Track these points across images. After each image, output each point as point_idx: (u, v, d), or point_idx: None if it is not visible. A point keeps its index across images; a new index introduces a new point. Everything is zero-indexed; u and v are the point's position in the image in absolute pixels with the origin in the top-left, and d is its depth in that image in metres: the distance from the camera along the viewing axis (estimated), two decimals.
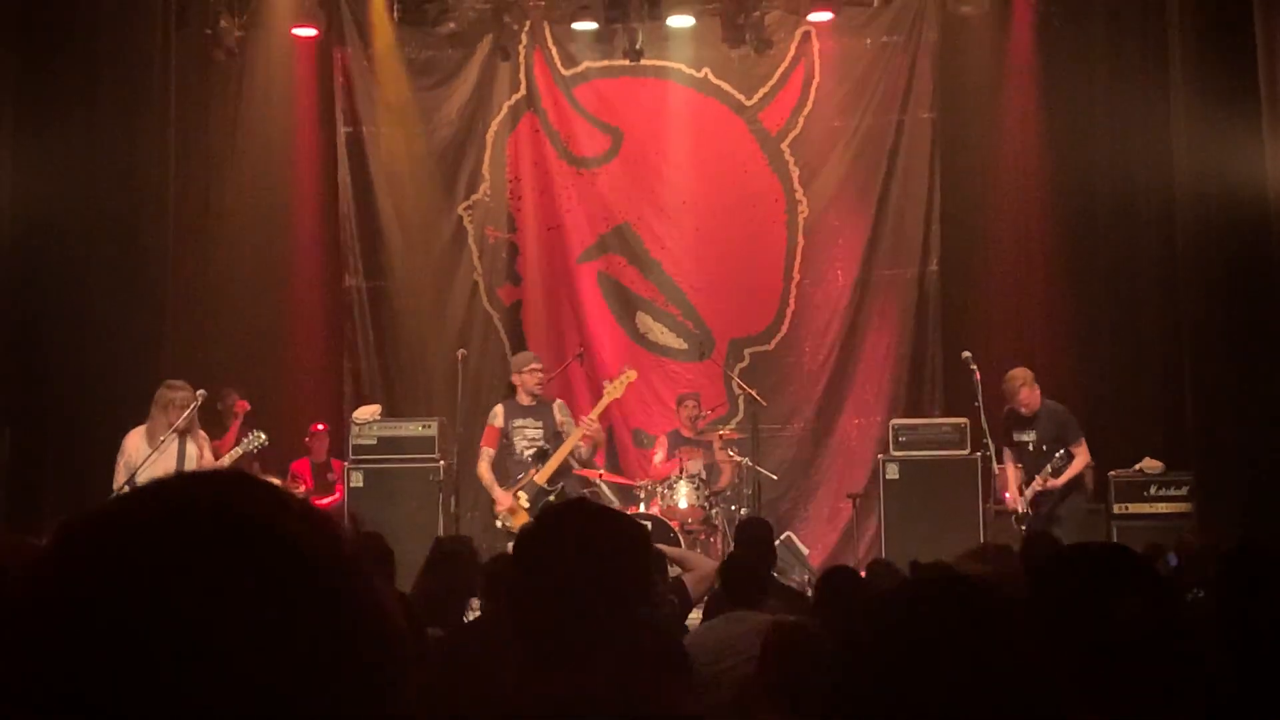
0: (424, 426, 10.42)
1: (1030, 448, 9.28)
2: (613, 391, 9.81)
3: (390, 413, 10.82)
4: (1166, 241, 10.19)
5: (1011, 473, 9.36)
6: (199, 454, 8.48)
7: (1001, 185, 11.06)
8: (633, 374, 9.96)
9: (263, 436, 8.71)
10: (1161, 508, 9.65)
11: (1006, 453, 9.43)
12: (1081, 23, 10.77)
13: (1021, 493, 9.23)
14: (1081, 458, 9.26)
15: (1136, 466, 9.84)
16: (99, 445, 10.04)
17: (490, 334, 11.62)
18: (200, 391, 9.17)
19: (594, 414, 9.68)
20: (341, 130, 11.58)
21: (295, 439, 10.59)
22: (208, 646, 0.74)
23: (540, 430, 9.43)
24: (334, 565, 0.81)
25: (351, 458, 10.28)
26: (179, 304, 10.64)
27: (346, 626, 0.79)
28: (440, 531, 9.87)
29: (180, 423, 8.19)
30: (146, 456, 8.21)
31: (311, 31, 11.37)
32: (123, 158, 10.40)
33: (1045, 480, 9.10)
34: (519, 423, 9.50)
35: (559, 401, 9.80)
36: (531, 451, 9.37)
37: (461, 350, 10.51)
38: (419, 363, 11.54)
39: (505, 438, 9.52)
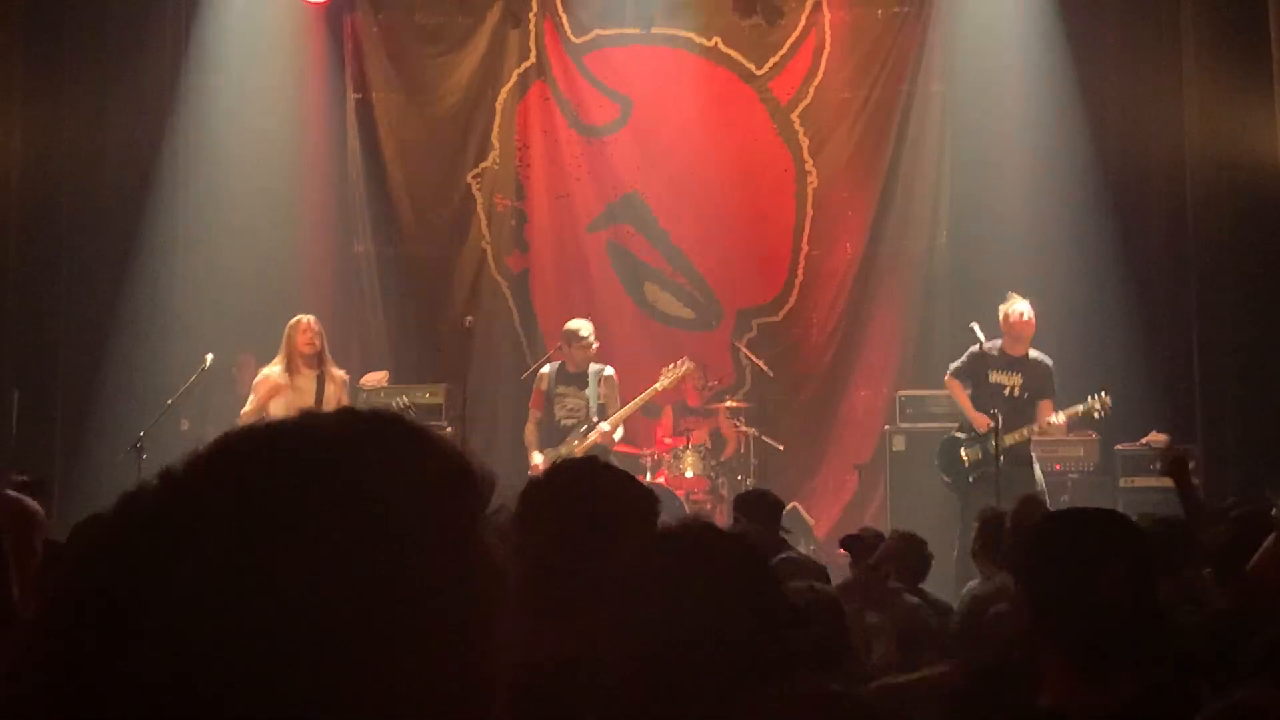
0: (430, 393, 10.45)
1: (1007, 392, 8.80)
2: (665, 380, 9.74)
3: (398, 379, 10.84)
4: (1176, 213, 10.16)
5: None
6: (337, 392, 8.94)
7: (1011, 158, 11.01)
8: (690, 365, 9.90)
9: (209, 356, 9.12)
10: (1168, 481, 9.59)
11: (959, 385, 9.05)
12: None
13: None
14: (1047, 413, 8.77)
15: (1143, 440, 9.81)
16: (106, 408, 10.12)
17: (498, 302, 11.60)
18: (208, 355, 9.24)
19: (639, 401, 9.66)
20: (351, 96, 11.56)
21: None
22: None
23: (583, 401, 9.34)
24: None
25: None
26: (186, 269, 10.68)
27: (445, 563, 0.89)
28: None
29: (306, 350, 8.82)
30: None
31: None
32: (131, 124, 10.43)
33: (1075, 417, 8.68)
34: (561, 390, 9.40)
35: (606, 372, 9.61)
36: (571, 421, 9.31)
37: (469, 317, 10.51)
38: (427, 330, 11.55)
39: (548, 402, 9.43)
